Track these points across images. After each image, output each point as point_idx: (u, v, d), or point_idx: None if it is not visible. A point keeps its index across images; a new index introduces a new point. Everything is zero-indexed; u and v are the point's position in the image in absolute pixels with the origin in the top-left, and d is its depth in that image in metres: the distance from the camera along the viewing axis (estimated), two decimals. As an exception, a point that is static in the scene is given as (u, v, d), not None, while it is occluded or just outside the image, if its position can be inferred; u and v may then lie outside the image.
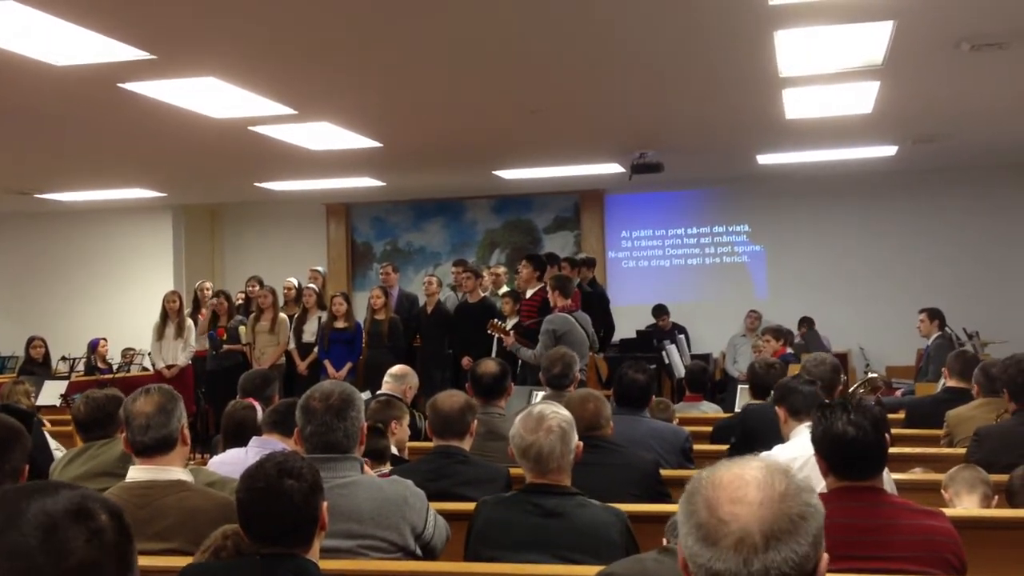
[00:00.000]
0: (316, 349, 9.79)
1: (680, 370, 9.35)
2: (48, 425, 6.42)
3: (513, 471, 3.79)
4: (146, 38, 5.51)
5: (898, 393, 8.19)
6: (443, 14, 5.28)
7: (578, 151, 9.92)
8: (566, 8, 5.24)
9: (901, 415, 5.97)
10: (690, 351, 11.12)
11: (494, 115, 8.05)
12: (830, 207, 12.42)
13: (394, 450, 4.50)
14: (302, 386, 7.08)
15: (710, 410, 6.92)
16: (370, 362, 9.45)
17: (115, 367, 10.91)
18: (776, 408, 4.30)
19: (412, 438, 5.08)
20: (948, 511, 3.21)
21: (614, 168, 10.76)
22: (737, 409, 6.46)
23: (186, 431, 3.17)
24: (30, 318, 13.07)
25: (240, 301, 10.89)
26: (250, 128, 8.03)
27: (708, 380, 7.68)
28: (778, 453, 3.87)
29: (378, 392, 5.83)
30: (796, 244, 12.57)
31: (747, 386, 6.17)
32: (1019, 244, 11.88)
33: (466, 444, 4.05)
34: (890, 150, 10.30)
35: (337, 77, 6.67)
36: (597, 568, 2.51)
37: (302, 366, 9.78)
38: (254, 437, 4.07)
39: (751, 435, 4.82)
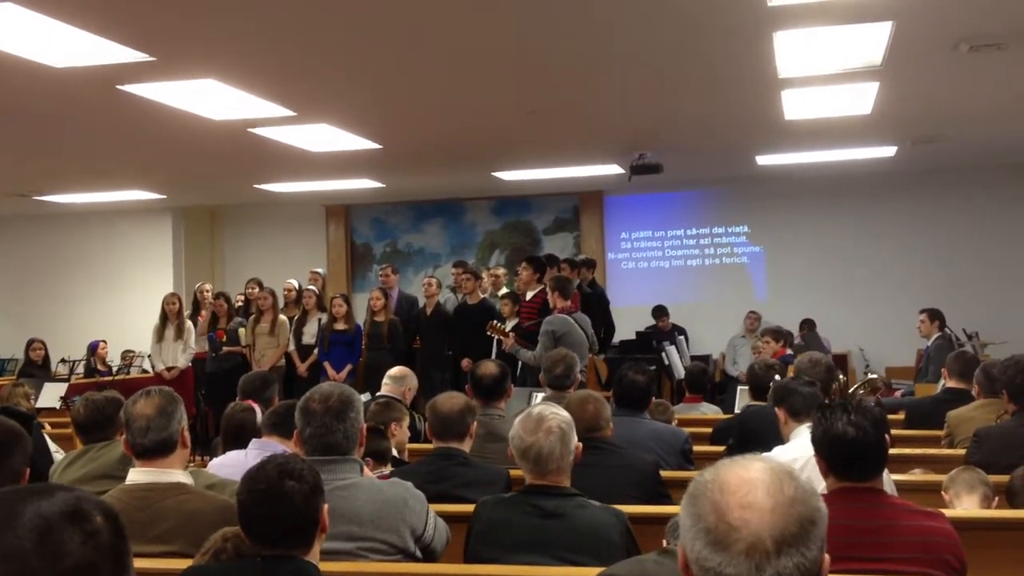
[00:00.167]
0: (316, 351, 9.80)
1: (680, 371, 9.35)
2: (48, 427, 6.41)
3: (513, 473, 3.79)
4: (145, 40, 5.51)
5: (898, 394, 8.18)
6: (441, 16, 5.29)
7: (577, 152, 9.93)
8: (565, 10, 5.25)
9: (901, 416, 5.97)
10: (689, 352, 11.12)
11: (493, 116, 8.05)
12: (829, 208, 12.43)
13: (394, 452, 4.50)
14: (302, 388, 7.07)
15: (710, 411, 6.92)
16: (370, 364, 9.44)
17: (115, 369, 10.92)
18: (776, 409, 4.30)
19: (412, 440, 5.08)
20: (948, 512, 3.21)
21: (613, 169, 10.77)
22: (737, 410, 6.46)
23: (186, 433, 3.17)
24: (29, 320, 13.06)
25: (240, 303, 10.89)
26: (249, 130, 8.03)
27: (708, 381, 7.67)
28: (778, 454, 3.87)
29: (377, 394, 5.83)
30: (795, 245, 12.58)
31: (747, 387, 6.18)
32: (1018, 244, 11.88)
33: (466, 446, 4.05)
34: (889, 151, 10.31)
35: (336, 79, 6.67)
36: (597, 570, 2.51)
37: (302, 368, 9.77)
38: (254, 439, 4.07)
39: (749, 437, 4.81)
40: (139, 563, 2.85)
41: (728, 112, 8.13)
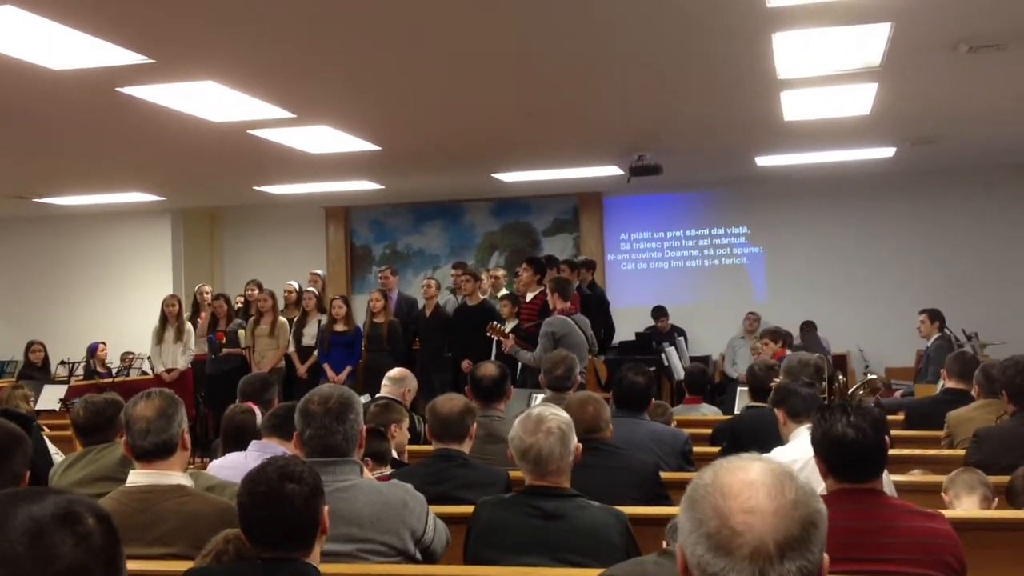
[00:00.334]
0: (316, 352, 9.80)
1: (679, 372, 9.35)
2: (47, 429, 6.41)
3: (513, 474, 3.79)
4: (145, 42, 5.52)
5: (897, 394, 8.18)
6: (441, 17, 5.29)
7: (577, 153, 9.93)
8: (564, 11, 5.25)
9: (900, 416, 5.97)
10: (688, 353, 11.12)
11: (493, 117, 8.05)
12: (829, 209, 12.43)
13: (394, 453, 4.50)
14: (302, 389, 7.07)
15: (710, 412, 6.92)
16: (369, 365, 9.44)
17: (114, 371, 10.91)
18: (775, 410, 4.30)
19: (411, 441, 5.08)
20: (948, 513, 3.22)
21: (613, 170, 10.77)
22: (737, 411, 6.47)
23: (187, 436, 3.17)
24: (29, 322, 13.06)
25: (239, 305, 10.89)
26: (249, 132, 8.03)
27: (707, 382, 7.68)
28: (778, 455, 3.87)
29: (377, 395, 5.83)
30: (795, 246, 12.58)
31: (746, 388, 6.18)
32: (1018, 245, 11.89)
33: (466, 447, 4.05)
34: (888, 151, 10.31)
35: (335, 80, 6.67)
36: (597, 571, 2.51)
37: (302, 369, 9.78)
38: (253, 441, 4.07)
39: (744, 440, 4.81)
40: (139, 565, 2.87)
41: (727, 113, 8.14)
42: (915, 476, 4.59)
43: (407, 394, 5.73)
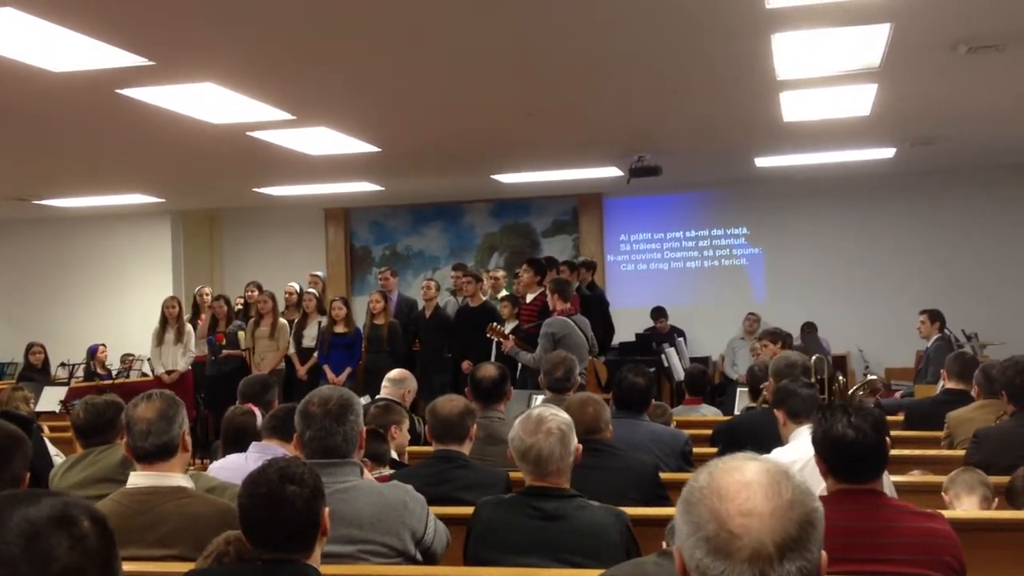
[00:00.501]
0: (316, 354, 9.80)
1: (679, 373, 9.36)
2: (47, 431, 6.41)
3: (513, 475, 3.79)
4: (144, 44, 5.52)
5: (897, 395, 8.19)
6: (440, 18, 5.29)
7: (576, 155, 9.93)
8: (564, 11, 5.25)
9: (900, 417, 5.98)
10: (688, 354, 11.12)
11: (493, 119, 8.05)
12: (829, 209, 12.43)
13: (394, 454, 4.50)
14: (302, 391, 7.07)
15: (709, 413, 6.93)
16: (369, 366, 9.45)
17: (114, 373, 10.91)
18: (775, 411, 4.30)
19: (411, 442, 5.08)
20: (948, 513, 3.22)
21: (612, 172, 10.77)
22: (737, 412, 6.47)
23: (187, 438, 3.17)
24: (29, 324, 13.07)
25: (239, 306, 10.90)
26: (248, 133, 8.04)
27: (707, 383, 7.68)
28: (778, 456, 3.87)
29: (377, 397, 5.83)
30: (795, 247, 12.58)
31: (746, 389, 6.18)
32: (1018, 245, 11.89)
33: (466, 448, 4.06)
34: (888, 152, 10.32)
35: (335, 82, 6.68)
36: (597, 572, 2.51)
37: (302, 371, 9.78)
38: (254, 442, 4.07)
39: (739, 443, 4.81)
40: (140, 566, 2.87)
41: (727, 114, 8.14)
42: (915, 476, 4.60)
43: (407, 395, 5.73)
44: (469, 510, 3.34)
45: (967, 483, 3.83)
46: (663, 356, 9.66)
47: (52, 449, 5.34)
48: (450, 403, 4.10)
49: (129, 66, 5.83)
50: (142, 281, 13.52)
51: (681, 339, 11.27)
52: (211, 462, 4.38)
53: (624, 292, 12.79)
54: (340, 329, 9.66)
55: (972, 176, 11.92)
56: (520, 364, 8.11)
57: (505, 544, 3.12)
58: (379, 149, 8.99)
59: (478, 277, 9.94)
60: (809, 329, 11.40)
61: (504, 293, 10.04)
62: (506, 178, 11.29)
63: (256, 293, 10.42)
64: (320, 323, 9.89)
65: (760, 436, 4.45)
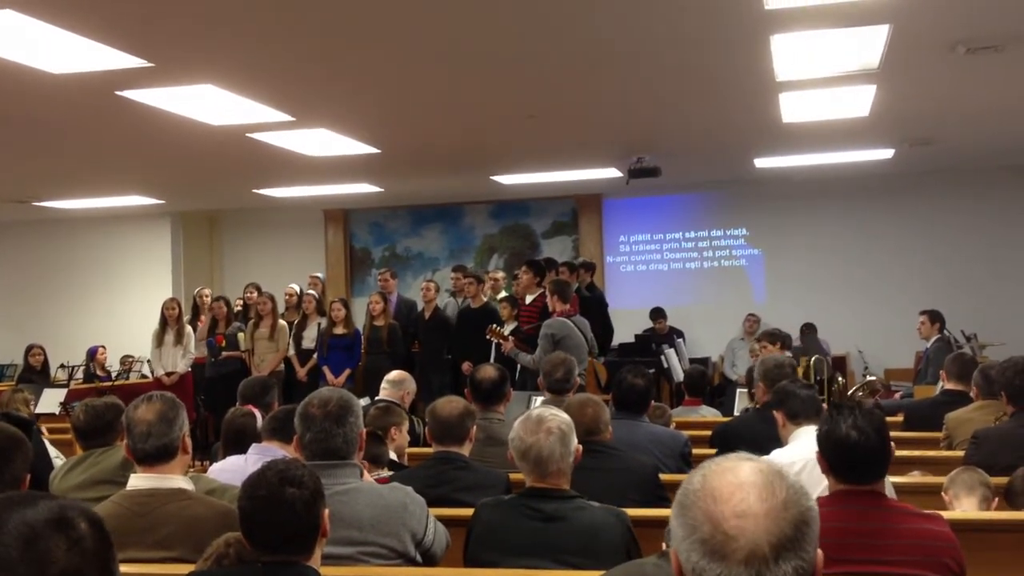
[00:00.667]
0: (316, 355, 9.80)
1: (679, 374, 9.36)
2: (47, 433, 6.41)
3: (513, 476, 3.79)
4: (144, 46, 5.52)
5: (897, 396, 8.19)
6: (440, 20, 5.30)
7: (576, 156, 9.94)
8: (564, 13, 5.26)
9: (900, 418, 5.98)
10: (687, 355, 11.12)
11: (492, 120, 8.06)
12: (828, 210, 12.44)
13: (394, 456, 4.51)
14: (302, 392, 7.07)
15: (709, 414, 6.93)
16: (369, 368, 9.45)
17: (114, 375, 10.91)
18: (774, 412, 4.31)
19: (411, 444, 5.08)
20: (947, 514, 3.22)
21: (612, 173, 10.77)
22: (736, 413, 6.48)
23: (188, 439, 3.17)
24: (29, 326, 13.08)
25: (239, 308, 10.90)
26: (248, 135, 8.04)
27: (707, 384, 7.69)
28: (777, 457, 3.87)
29: (376, 398, 5.84)
30: (794, 247, 12.58)
31: (746, 390, 6.18)
32: (1016, 246, 11.89)
33: (465, 450, 4.06)
34: (887, 153, 10.32)
35: (334, 83, 6.68)
36: (597, 573, 2.52)
37: (302, 372, 9.78)
38: (254, 444, 4.08)
39: (732, 448, 4.80)
40: (140, 568, 2.87)
41: (726, 115, 8.14)
42: (914, 477, 4.60)
43: (405, 396, 5.73)
44: (469, 512, 3.34)
45: (966, 483, 3.83)
46: (663, 357, 9.66)
47: (52, 451, 5.34)
48: (450, 404, 4.10)
49: (128, 68, 5.84)
50: (142, 282, 13.52)
51: (680, 340, 11.27)
52: (211, 464, 4.38)
53: (624, 293, 12.79)
54: (339, 330, 9.66)
55: (971, 177, 11.93)
56: (519, 365, 8.12)
57: (505, 545, 3.12)
58: (378, 150, 9.00)
59: (480, 278, 9.93)
60: (809, 330, 11.40)
61: (503, 294, 10.04)
62: (505, 179, 11.30)
63: (255, 294, 10.42)
64: (320, 324, 9.89)
65: (756, 439, 4.45)
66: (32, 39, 5.25)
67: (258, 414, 4.52)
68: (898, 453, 4.76)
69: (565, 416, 3.28)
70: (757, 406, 5.36)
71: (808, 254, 12.50)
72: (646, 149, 9.58)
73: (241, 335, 10.04)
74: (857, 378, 10.49)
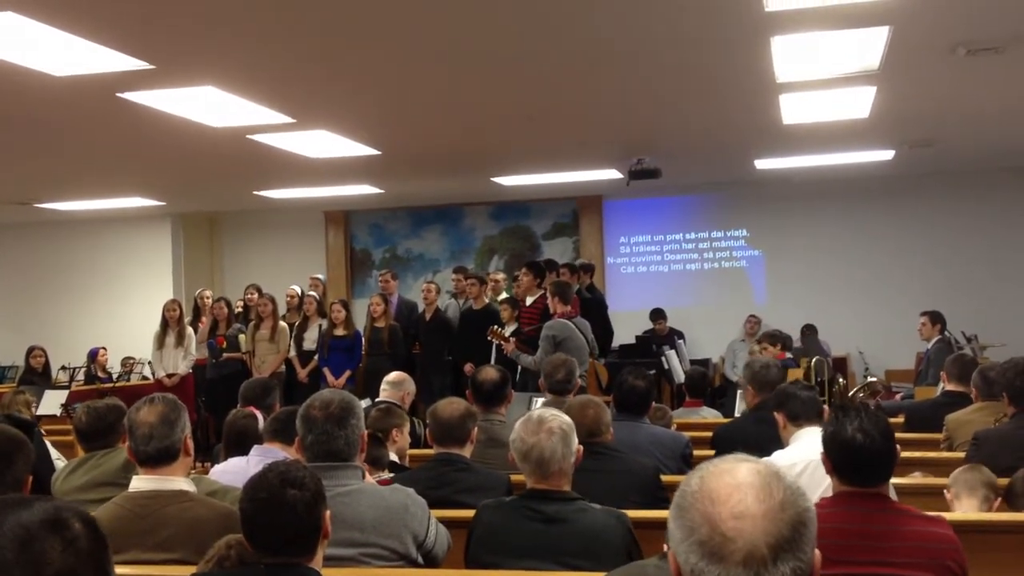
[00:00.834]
0: (316, 357, 9.80)
1: (680, 375, 9.36)
2: (48, 435, 6.42)
3: (514, 478, 3.79)
4: (144, 48, 5.53)
5: (897, 397, 8.20)
6: (440, 20, 5.30)
7: (576, 157, 9.94)
8: (563, 13, 5.26)
9: (900, 419, 5.98)
10: (688, 356, 11.12)
11: (493, 121, 8.06)
12: (828, 211, 12.44)
13: (395, 458, 4.50)
14: (302, 394, 7.08)
15: (710, 415, 6.93)
16: (370, 369, 9.45)
17: (115, 376, 10.92)
18: (775, 414, 4.31)
19: (412, 445, 5.08)
20: (949, 516, 3.22)
21: (612, 174, 10.78)
22: (737, 414, 6.48)
23: (189, 441, 3.17)
24: (30, 328, 13.08)
25: (239, 309, 10.90)
26: (248, 136, 8.04)
27: (708, 385, 7.69)
28: (777, 458, 3.88)
29: (376, 400, 5.84)
30: (795, 248, 12.59)
31: (746, 391, 6.17)
32: (1017, 247, 11.90)
33: (467, 451, 4.06)
34: (887, 154, 10.33)
35: (335, 85, 6.68)
36: (599, 575, 2.52)
37: (302, 374, 9.78)
38: (255, 446, 4.08)
39: (730, 451, 4.80)
40: (141, 570, 2.87)
41: (726, 116, 8.15)
42: (915, 479, 4.60)
43: (406, 398, 5.73)
44: (470, 513, 3.34)
45: (968, 483, 3.83)
46: (663, 358, 9.66)
47: (54, 453, 5.35)
48: (451, 406, 4.10)
49: (129, 70, 5.84)
50: (143, 284, 13.52)
51: (681, 341, 11.27)
52: (213, 465, 4.38)
53: (624, 294, 12.80)
54: (339, 332, 9.66)
55: (971, 178, 11.94)
56: (520, 367, 8.12)
57: (506, 547, 3.12)
58: (379, 152, 9.00)
59: (482, 279, 9.94)
60: (809, 331, 11.41)
61: (504, 296, 10.05)
62: (506, 180, 11.30)
63: (256, 296, 10.42)
64: (321, 326, 9.89)
65: (757, 441, 4.46)
66: (33, 41, 5.25)
67: (259, 416, 4.53)
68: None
69: (566, 417, 3.28)
70: (749, 409, 5.37)
71: (809, 255, 12.51)
72: (646, 150, 9.59)
73: (242, 337, 10.05)
74: (858, 379, 10.49)
